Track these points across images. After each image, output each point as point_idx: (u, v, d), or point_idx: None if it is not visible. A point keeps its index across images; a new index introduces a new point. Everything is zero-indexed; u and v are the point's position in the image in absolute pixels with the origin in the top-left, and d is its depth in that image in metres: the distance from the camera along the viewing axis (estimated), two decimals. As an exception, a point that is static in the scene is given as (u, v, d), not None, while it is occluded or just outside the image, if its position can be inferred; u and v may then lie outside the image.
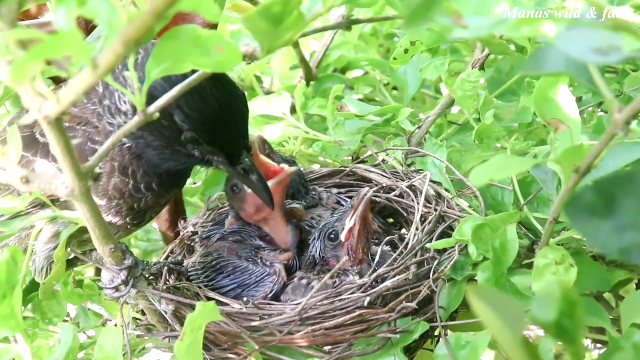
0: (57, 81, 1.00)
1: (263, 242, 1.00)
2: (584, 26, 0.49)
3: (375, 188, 0.98)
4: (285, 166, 0.97)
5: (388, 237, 0.97)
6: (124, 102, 0.79)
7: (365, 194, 0.91)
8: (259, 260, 0.96)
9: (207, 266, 0.97)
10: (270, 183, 0.90)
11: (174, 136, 0.78)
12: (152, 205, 0.87)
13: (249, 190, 0.94)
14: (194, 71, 0.58)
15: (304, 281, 0.93)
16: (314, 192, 1.08)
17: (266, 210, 0.97)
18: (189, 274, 0.98)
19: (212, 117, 0.77)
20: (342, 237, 0.92)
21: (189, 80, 0.58)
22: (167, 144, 0.80)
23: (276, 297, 0.93)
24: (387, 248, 0.94)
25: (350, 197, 1.06)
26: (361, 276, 0.90)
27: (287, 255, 0.97)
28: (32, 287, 0.97)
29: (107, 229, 0.72)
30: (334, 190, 1.10)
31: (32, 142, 0.83)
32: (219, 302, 0.88)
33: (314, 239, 0.95)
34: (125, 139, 0.81)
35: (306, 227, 1.01)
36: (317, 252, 0.94)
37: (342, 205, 1.05)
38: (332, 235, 0.93)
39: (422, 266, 0.89)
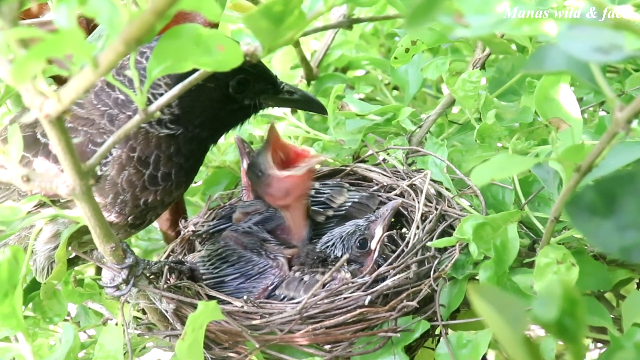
0: (59, 80, 1.00)
1: (270, 236, 1.00)
2: (586, 25, 0.49)
3: (401, 200, 0.99)
4: (311, 150, 0.98)
5: (387, 232, 0.97)
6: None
7: (395, 205, 0.95)
8: (264, 252, 0.97)
9: (212, 254, 0.98)
10: (298, 171, 0.94)
11: (223, 93, 0.83)
12: (156, 206, 0.86)
13: (275, 175, 0.96)
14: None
15: (297, 274, 0.94)
16: None
17: (294, 195, 0.97)
18: (196, 263, 0.98)
19: None
20: (373, 245, 0.93)
21: (190, 79, 0.58)
22: (219, 107, 0.84)
23: (274, 290, 0.94)
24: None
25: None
26: (353, 275, 0.90)
27: (293, 251, 0.98)
28: (32, 287, 0.97)
29: (108, 227, 0.72)
30: None
31: (34, 143, 0.83)
32: (220, 301, 0.88)
33: (334, 239, 0.95)
34: (163, 127, 0.83)
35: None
36: (338, 253, 0.94)
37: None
38: (359, 243, 0.94)
39: (423, 265, 0.89)
